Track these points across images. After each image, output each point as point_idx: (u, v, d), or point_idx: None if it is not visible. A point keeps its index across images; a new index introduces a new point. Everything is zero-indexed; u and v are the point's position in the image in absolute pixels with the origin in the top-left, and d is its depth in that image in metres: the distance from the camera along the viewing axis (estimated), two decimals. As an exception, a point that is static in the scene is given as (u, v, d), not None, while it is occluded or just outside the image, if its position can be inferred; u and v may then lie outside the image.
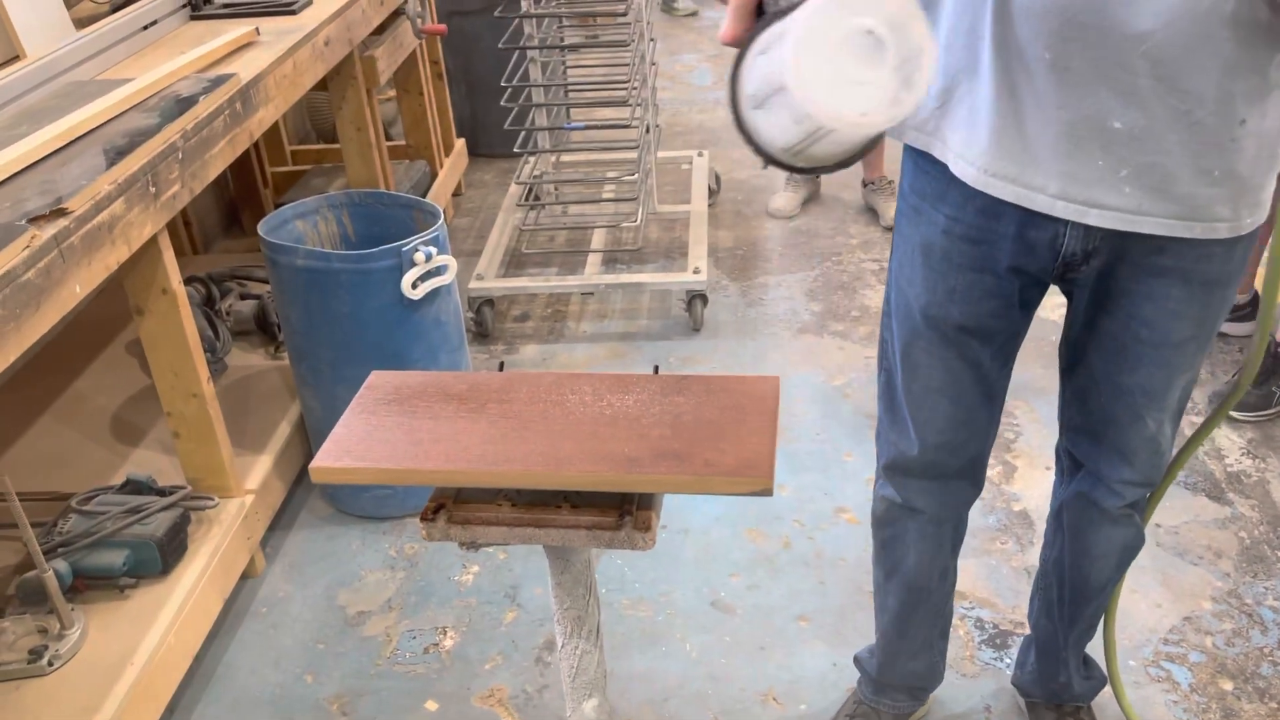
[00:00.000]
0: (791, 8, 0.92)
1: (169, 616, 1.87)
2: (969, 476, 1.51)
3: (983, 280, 1.31)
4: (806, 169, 1.00)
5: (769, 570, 2.18)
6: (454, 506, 1.04)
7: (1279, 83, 1.13)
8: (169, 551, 1.95)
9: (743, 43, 0.97)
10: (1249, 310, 2.74)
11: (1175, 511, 2.25)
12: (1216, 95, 1.10)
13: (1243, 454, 2.40)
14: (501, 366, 1.15)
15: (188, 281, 1.97)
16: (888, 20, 0.88)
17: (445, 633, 2.08)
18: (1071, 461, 1.54)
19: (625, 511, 1.01)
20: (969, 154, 1.22)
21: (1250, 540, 2.17)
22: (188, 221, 3.18)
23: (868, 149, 0.99)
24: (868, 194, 3.63)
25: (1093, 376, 1.39)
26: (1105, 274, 1.29)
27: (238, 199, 3.48)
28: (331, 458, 1.02)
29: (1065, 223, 1.22)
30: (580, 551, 1.10)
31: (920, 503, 1.52)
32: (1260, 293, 1.26)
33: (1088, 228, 1.22)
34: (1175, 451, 1.48)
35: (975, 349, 1.37)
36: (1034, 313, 1.40)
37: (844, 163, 0.99)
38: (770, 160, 0.99)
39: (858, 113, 0.87)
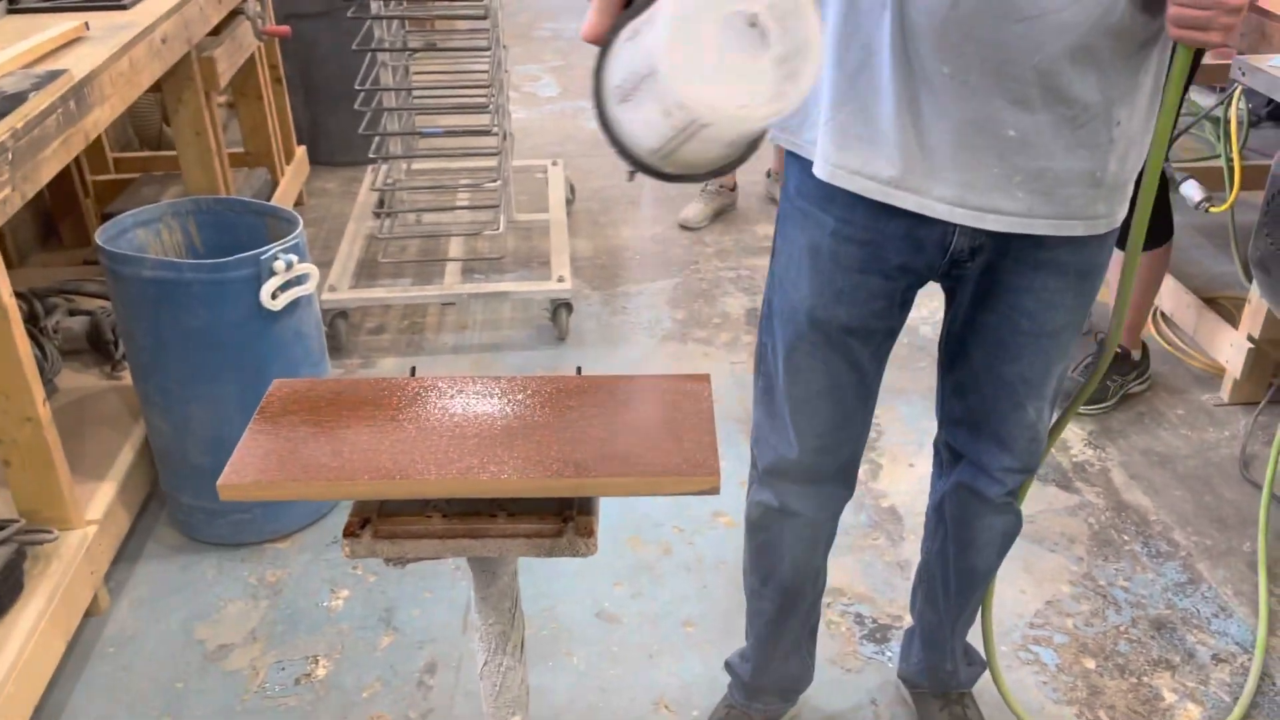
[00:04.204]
0: None
1: (6, 663, 1.69)
2: (843, 480, 1.54)
3: (869, 281, 1.33)
4: (675, 175, 0.91)
5: (651, 577, 2.16)
6: (380, 521, 0.97)
7: (1145, 83, 1.21)
8: (2, 592, 1.77)
9: (607, 39, 0.88)
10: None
11: (1031, 501, 2.36)
12: (1097, 100, 1.17)
13: (1085, 445, 2.54)
14: (413, 371, 1.09)
15: (11, 296, 1.79)
16: (773, 6, 0.80)
17: (317, 661, 1.96)
18: (951, 454, 1.58)
19: (567, 518, 0.97)
20: (867, 169, 1.23)
21: (1098, 525, 2.30)
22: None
23: (743, 156, 0.89)
24: (771, 185, 3.67)
25: (973, 370, 1.44)
26: (988, 270, 1.33)
27: (55, 209, 3.21)
28: (239, 474, 0.93)
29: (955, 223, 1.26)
30: (508, 563, 1.05)
31: (797, 506, 1.53)
32: (1115, 296, 1.36)
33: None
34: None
35: (856, 350, 1.40)
36: (910, 311, 1.43)
37: (717, 170, 0.91)
38: (636, 164, 0.90)
39: (735, 104, 0.79)
